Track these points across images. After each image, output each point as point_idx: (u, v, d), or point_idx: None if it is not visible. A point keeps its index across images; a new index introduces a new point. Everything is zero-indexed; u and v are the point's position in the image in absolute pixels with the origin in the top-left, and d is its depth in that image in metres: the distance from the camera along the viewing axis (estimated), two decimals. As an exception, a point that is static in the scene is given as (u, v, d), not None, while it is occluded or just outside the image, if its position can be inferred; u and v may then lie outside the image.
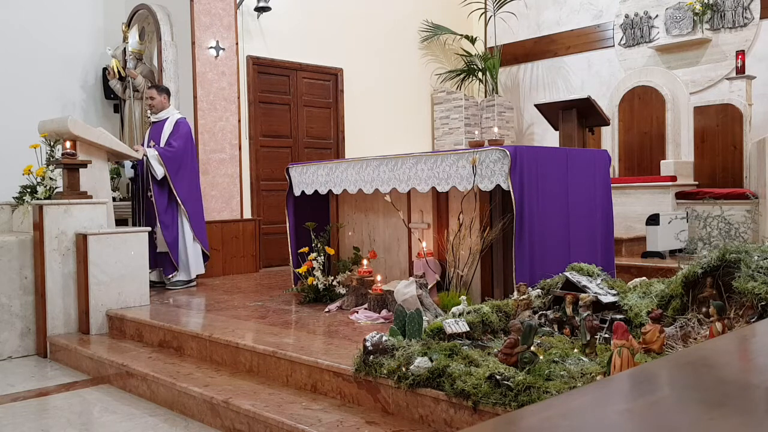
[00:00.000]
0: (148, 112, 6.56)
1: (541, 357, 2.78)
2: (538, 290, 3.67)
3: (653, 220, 5.94)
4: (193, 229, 6.23)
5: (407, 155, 4.67)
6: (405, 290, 4.11)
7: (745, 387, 1.13)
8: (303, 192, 5.50)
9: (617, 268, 5.09)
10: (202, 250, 6.34)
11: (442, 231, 4.72)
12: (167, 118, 6.32)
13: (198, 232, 6.29)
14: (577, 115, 6.13)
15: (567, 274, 3.52)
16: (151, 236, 6.16)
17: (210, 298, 5.63)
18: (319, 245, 5.16)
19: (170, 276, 6.19)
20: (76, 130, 5.37)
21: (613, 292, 3.39)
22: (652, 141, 7.31)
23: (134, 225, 6.50)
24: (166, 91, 6.45)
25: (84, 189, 5.33)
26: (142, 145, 6.35)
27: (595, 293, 3.33)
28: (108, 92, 7.53)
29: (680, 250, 5.62)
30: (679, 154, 7.11)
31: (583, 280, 3.44)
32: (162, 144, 6.21)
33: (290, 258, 5.58)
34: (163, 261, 6.19)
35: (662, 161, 6.99)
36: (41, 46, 7.20)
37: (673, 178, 6.75)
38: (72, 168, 5.23)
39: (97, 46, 7.59)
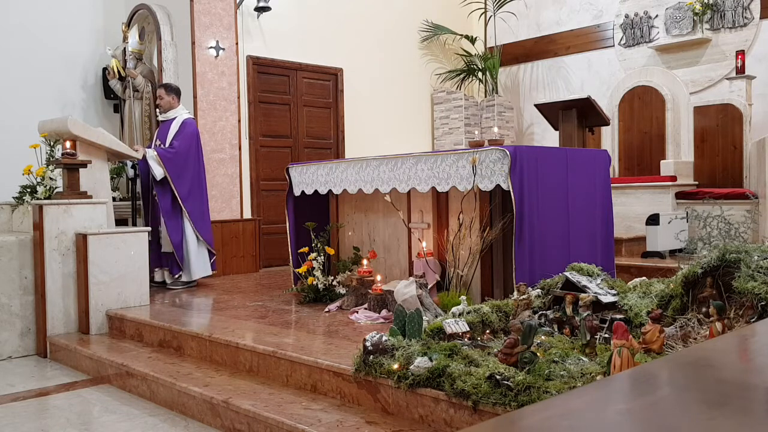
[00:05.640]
0: (157, 111, 6.55)
1: (541, 357, 2.78)
2: (538, 290, 3.67)
3: (653, 220, 5.94)
4: (197, 230, 6.21)
5: (407, 155, 4.67)
6: (405, 290, 4.11)
7: (745, 387, 1.13)
8: (303, 192, 5.50)
9: (617, 268, 5.09)
10: (208, 249, 6.34)
11: (442, 231, 4.72)
12: (175, 118, 6.31)
13: (202, 232, 6.27)
14: (577, 115, 6.13)
15: (567, 274, 3.52)
16: (156, 236, 6.17)
17: (210, 298, 5.63)
18: (319, 245, 5.15)
19: (177, 276, 6.21)
20: (76, 130, 5.37)
21: (613, 292, 3.39)
22: (652, 141, 7.31)
23: (134, 225, 6.50)
24: (176, 91, 6.40)
25: (84, 189, 5.33)
26: (149, 144, 6.35)
27: (595, 293, 3.33)
28: (108, 92, 7.53)
29: (680, 250, 5.61)
30: (679, 154, 7.11)
31: (583, 280, 3.44)
32: (167, 144, 6.22)
33: (290, 258, 5.58)
34: (169, 261, 6.19)
35: (662, 161, 6.99)
36: (41, 46, 7.20)
37: (673, 178, 6.74)
38: (72, 168, 5.23)
39: (97, 46, 7.59)
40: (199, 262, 6.28)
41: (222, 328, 4.31)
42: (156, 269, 6.26)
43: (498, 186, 4.11)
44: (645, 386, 1.15)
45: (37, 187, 5.38)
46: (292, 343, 3.82)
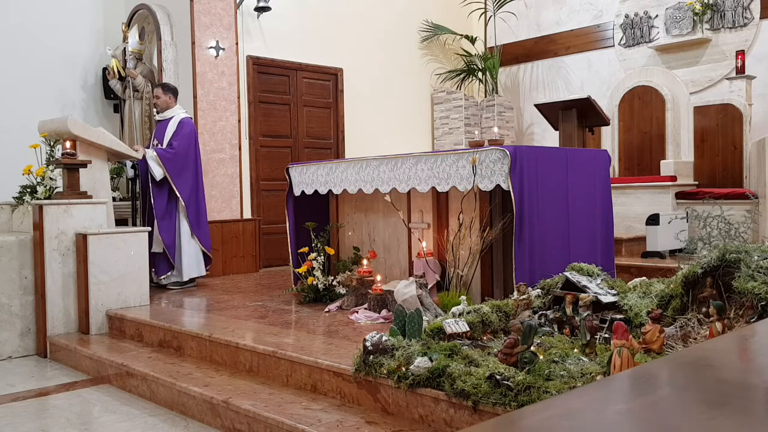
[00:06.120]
0: (154, 110, 6.55)
1: (541, 357, 2.78)
2: (538, 290, 3.67)
3: (653, 220, 5.94)
4: (194, 231, 6.20)
5: (407, 155, 4.67)
6: (405, 290, 4.11)
7: (745, 387, 1.13)
8: (303, 192, 5.50)
9: (617, 268, 5.09)
10: (204, 252, 6.31)
11: (442, 231, 4.72)
12: (172, 117, 6.30)
13: (199, 234, 6.25)
14: (577, 115, 6.13)
15: (567, 274, 3.52)
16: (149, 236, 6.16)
17: (210, 298, 5.63)
18: (319, 245, 5.16)
19: (163, 276, 6.15)
20: (76, 130, 5.37)
21: (613, 292, 3.39)
22: (652, 141, 7.31)
23: (134, 225, 6.50)
24: (173, 91, 6.39)
25: (84, 189, 5.33)
26: (148, 144, 6.35)
27: (595, 293, 3.33)
28: (108, 92, 7.53)
29: (680, 250, 5.61)
30: (679, 154, 7.11)
31: (583, 280, 3.44)
32: (164, 144, 6.20)
33: (290, 258, 5.58)
34: (157, 261, 6.15)
35: (662, 161, 6.99)
36: (41, 46, 7.20)
37: (673, 178, 6.75)
38: (72, 168, 5.23)
39: (97, 46, 7.59)
40: (192, 263, 6.22)
41: (222, 328, 4.31)
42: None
43: (498, 186, 4.11)
44: (645, 386, 1.15)
45: (37, 187, 5.38)
46: (292, 343, 3.82)
